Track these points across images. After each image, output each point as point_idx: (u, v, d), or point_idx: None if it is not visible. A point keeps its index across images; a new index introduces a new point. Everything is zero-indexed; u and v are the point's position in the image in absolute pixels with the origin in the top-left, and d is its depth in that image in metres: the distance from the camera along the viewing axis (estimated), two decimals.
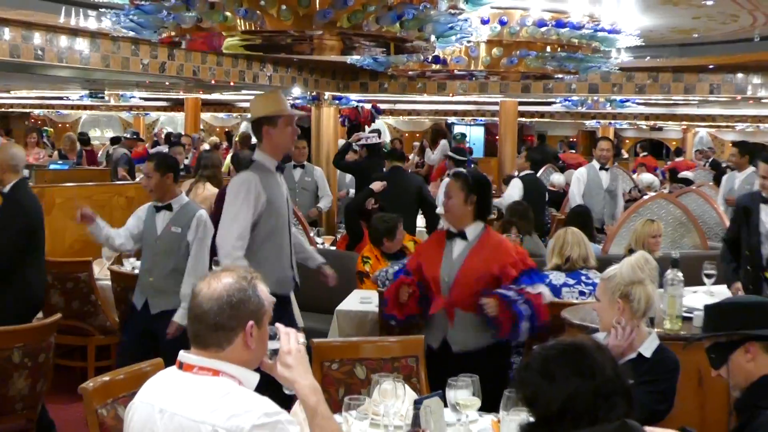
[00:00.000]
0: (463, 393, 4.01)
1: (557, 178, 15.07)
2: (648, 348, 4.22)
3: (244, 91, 19.36)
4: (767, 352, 3.37)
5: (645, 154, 25.44)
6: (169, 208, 6.54)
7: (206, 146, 17.53)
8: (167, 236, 6.53)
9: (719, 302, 3.57)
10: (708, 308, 3.64)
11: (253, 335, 2.98)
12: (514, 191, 11.53)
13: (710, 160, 23.24)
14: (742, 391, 3.40)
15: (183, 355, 3.00)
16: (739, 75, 14.38)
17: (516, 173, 12.84)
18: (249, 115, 5.89)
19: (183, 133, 21.17)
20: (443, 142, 16.79)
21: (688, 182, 15.66)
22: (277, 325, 3.16)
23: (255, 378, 3.02)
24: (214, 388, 2.89)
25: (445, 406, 3.95)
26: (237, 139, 17.57)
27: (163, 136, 24.09)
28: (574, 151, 25.25)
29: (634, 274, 4.23)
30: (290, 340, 3.14)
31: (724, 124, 30.02)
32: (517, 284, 5.36)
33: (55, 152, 18.74)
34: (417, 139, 30.18)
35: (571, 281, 6.47)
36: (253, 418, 2.81)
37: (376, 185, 9.76)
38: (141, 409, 3.00)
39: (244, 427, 2.79)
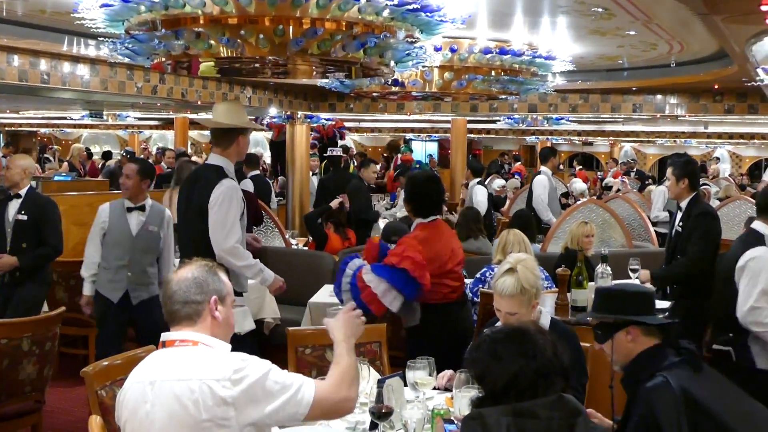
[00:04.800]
0: (420, 373, 4.02)
1: (498, 183, 15.25)
2: (544, 325, 4.24)
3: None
4: (645, 334, 3.40)
5: (580, 168, 25.72)
6: (142, 208, 6.49)
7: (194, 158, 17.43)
8: (146, 235, 6.48)
9: (610, 288, 3.60)
10: (600, 291, 3.67)
11: (217, 309, 3.05)
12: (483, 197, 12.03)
13: (635, 170, 23.48)
14: (624, 368, 3.44)
15: (164, 335, 3.05)
16: (659, 96, 14.50)
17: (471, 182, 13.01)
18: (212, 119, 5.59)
19: (169, 148, 21.14)
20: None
21: (610, 188, 16.01)
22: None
23: (227, 348, 3.07)
24: (195, 353, 2.95)
25: (405, 385, 3.94)
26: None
27: (153, 151, 24.02)
28: (519, 163, 25.40)
29: (535, 276, 4.22)
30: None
31: (645, 139, 30.30)
32: (371, 270, 5.24)
33: (65, 164, 18.61)
34: (380, 153, 30.31)
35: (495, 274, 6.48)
36: (233, 364, 2.88)
37: (334, 203, 9.84)
38: (133, 388, 2.98)
39: (227, 372, 2.84)
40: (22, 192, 6.77)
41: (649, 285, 6.36)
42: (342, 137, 18.21)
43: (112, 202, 6.56)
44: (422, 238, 5.26)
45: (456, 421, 3.48)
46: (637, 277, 6.77)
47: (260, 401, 2.87)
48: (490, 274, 6.49)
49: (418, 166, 14.87)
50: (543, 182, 11.05)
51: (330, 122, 17.72)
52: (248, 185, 11.37)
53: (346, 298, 5.27)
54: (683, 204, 6.55)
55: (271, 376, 2.91)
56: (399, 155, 17.50)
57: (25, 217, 6.70)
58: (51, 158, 21.66)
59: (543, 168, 11.32)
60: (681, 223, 6.53)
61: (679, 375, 3.21)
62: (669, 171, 6.65)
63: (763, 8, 6.09)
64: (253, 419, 2.86)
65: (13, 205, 6.75)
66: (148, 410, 2.89)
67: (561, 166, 30.89)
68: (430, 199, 5.44)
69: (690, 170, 6.54)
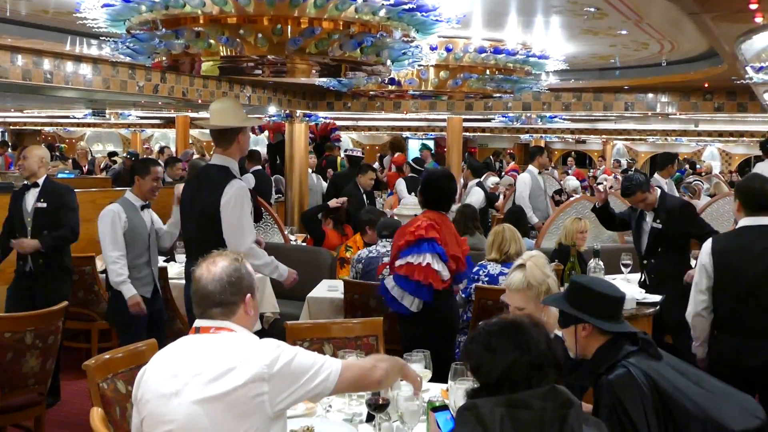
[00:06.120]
0: (416, 366, 4.01)
1: (492, 180, 15.32)
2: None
3: None
4: (600, 333, 3.41)
5: (575, 166, 25.81)
6: (149, 206, 6.53)
7: (195, 157, 17.49)
8: (153, 230, 6.52)
9: (582, 281, 3.56)
10: (573, 281, 3.62)
11: (251, 305, 3.06)
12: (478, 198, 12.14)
13: (633, 169, 23.58)
14: (587, 363, 3.46)
15: (199, 322, 3.03)
16: (650, 95, 14.50)
17: (469, 183, 13.08)
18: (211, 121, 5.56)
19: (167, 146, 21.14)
20: (387, 159, 16.96)
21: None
22: None
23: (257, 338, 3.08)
24: (234, 338, 2.97)
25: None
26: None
27: (155, 150, 23.98)
28: (514, 161, 25.42)
29: (544, 274, 4.20)
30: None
31: (637, 137, 30.29)
32: (398, 257, 5.45)
33: (69, 161, 18.64)
34: (377, 152, 30.27)
35: (506, 270, 6.46)
36: (269, 347, 2.92)
37: (332, 202, 9.85)
38: (160, 368, 2.98)
39: (264, 354, 2.87)
40: (40, 181, 6.84)
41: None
42: (337, 139, 18.29)
43: (119, 202, 6.40)
44: (431, 217, 5.47)
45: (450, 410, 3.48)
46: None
47: (293, 378, 2.91)
48: (484, 272, 6.49)
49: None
50: (526, 180, 11.05)
51: (327, 121, 17.77)
52: (250, 180, 11.39)
53: (409, 302, 5.45)
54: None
55: (301, 354, 2.98)
56: (395, 155, 17.43)
57: (45, 205, 6.76)
58: (57, 155, 21.68)
59: (530, 167, 11.32)
60: (659, 220, 6.85)
61: (639, 363, 3.24)
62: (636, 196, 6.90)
63: (752, 6, 6.08)
64: (285, 395, 2.90)
65: (32, 194, 6.81)
66: (179, 389, 2.88)
67: (554, 167, 30.88)
68: (442, 195, 5.63)
69: (642, 182, 6.91)
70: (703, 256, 5.03)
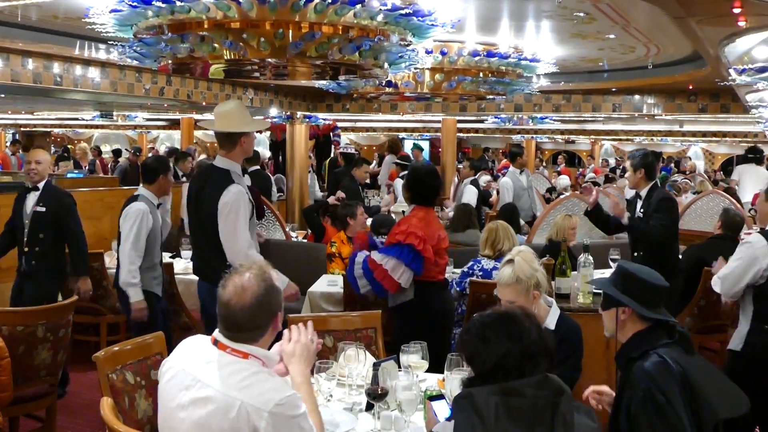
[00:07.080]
0: (413, 357, 4.01)
1: (485, 178, 15.36)
2: (552, 321, 4.19)
3: None
4: (639, 318, 3.41)
5: (563, 165, 25.83)
6: (160, 204, 6.38)
7: (202, 156, 17.56)
8: (164, 227, 6.37)
9: (629, 268, 3.54)
10: (619, 266, 3.61)
11: (279, 318, 2.95)
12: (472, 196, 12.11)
13: (621, 167, 23.65)
14: (620, 347, 3.46)
15: (218, 335, 2.92)
16: (636, 96, 14.51)
17: (464, 180, 13.06)
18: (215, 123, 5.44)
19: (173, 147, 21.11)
20: (388, 157, 16.94)
21: (595, 184, 16.01)
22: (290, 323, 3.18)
23: (276, 358, 2.99)
24: (243, 369, 2.83)
25: (399, 368, 3.94)
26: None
27: (161, 150, 23.98)
28: (506, 159, 25.41)
29: (532, 268, 4.20)
30: (300, 333, 3.16)
31: (624, 137, 30.29)
32: (378, 252, 5.44)
33: (71, 162, 18.61)
34: (374, 152, 30.26)
35: (500, 266, 6.46)
36: (276, 397, 2.76)
37: (331, 199, 9.84)
38: (177, 373, 2.93)
39: (268, 404, 2.75)
40: (41, 185, 6.76)
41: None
42: (338, 137, 18.38)
43: (144, 201, 6.09)
44: (421, 217, 5.44)
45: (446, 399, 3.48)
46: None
47: None
48: (478, 267, 6.49)
49: None
50: (507, 185, 11.03)
51: (327, 122, 17.83)
52: (246, 180, 11.37)
53: (362, 284, 5.48)
54: (642, 192, 6.87)
55: (301, 420, 2.81)
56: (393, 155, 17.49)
57: (43, 209, 6.68)
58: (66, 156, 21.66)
59: (511, 167, 11.28)
60: (642, 210, 6.80)
61: (672, 354, 3.24)
62: (627, 163, 6.97)
63: (735, 10, 6.09)
64: None
65: (32, 198, 6.74)
66: (185, 404, 2.85)
67: (545, 166, 30.89)
68: (429, 190, 5.57)
69: (646, 162, 6.82)
70: (758, 250, 4.86)
